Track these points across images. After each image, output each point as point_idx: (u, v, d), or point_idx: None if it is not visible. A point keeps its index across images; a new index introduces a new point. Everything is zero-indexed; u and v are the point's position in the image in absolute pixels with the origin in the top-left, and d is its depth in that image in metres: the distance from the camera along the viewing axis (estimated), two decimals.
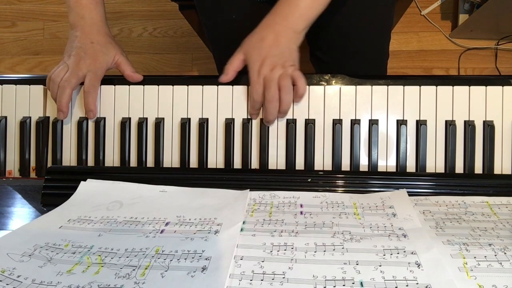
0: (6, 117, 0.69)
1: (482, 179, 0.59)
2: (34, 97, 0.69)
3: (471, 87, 0.63)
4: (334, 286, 0.35)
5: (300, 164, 0.64)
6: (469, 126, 0.62)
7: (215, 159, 0.65)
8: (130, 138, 0.67)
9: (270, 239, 0.43)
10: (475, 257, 0.39)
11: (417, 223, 0.46)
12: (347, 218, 0.48)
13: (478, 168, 0.62)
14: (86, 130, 0.68)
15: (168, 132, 0.67)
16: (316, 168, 0.64)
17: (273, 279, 0.37)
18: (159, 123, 0.66)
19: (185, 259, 0.40)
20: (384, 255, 0.40)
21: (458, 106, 0.63)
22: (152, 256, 0.40)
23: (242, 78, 0.65)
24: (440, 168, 0.63)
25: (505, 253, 0.40)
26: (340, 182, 0.58)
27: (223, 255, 0.40)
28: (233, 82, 0.65)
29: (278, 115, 0.62)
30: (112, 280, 0.37)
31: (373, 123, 0.64)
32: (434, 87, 0.63)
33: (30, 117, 0.69)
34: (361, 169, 0.63)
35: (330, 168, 0.64)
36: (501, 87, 0.63)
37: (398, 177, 0.58)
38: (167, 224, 0.47)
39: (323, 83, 0.65)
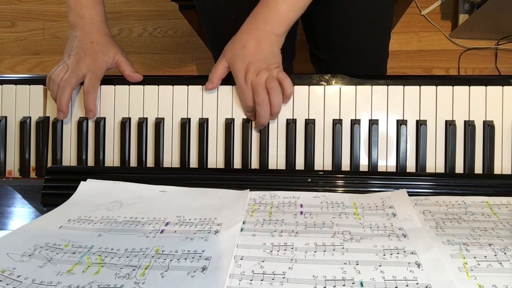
0: (6, 117, 0.69)
1: (482, 179, 0.59)
2: (34, 97, 0.69)
3: (471, 87, 0.63)
4: (334, 286, 0.35)
5: (300, 164, 0.64)
6: (469, 126, 0.62)
7: (215, 159, 0.65)
8: (130, 138, 0.67)
9: (270, 239, 0.43)
10: (475, 257, 0.39)
11: (417, 223, 0.46)
12: (347, 218, 0.48)
13: (478, 168, 0.62)
14: (86, 130, 0.68)
15: (168, 132, 0.67)
16: (316, 168, 0.64)
17: (273, 279, 0.37)
18: (159, 123, 0.66)
19: (185, 259, 0.40)
20: (384, 255, 0.40)
21: (458, 106, 0.63)
22: (152, 256, 0.40)
23: None
24: (440, 168, 0.63)
25: (505, 253, 0.40)
26: (340, 182, 0.58)
27: (223, 255, 0.40)
28: (233, 82, 0.65)
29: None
30: (112, 280, 0.37)
31: (373, 123, 0.64)
32: (434, 87, 0.63)
33: (30, 117, 0.69)
34: (361, 169, 0.63)
35: (330, 168, 0.64)
36: (501, 87, 0.63)
37: (398, 177, 0.58)
38: (167, 224, 0.47)
39: (323, 83, 0.65)
